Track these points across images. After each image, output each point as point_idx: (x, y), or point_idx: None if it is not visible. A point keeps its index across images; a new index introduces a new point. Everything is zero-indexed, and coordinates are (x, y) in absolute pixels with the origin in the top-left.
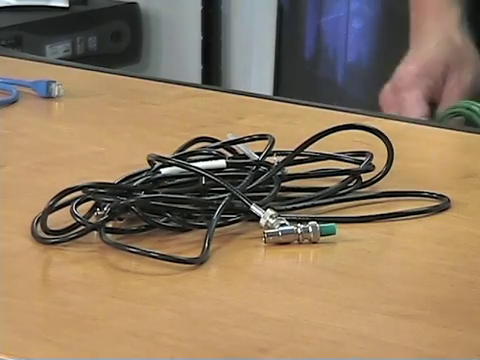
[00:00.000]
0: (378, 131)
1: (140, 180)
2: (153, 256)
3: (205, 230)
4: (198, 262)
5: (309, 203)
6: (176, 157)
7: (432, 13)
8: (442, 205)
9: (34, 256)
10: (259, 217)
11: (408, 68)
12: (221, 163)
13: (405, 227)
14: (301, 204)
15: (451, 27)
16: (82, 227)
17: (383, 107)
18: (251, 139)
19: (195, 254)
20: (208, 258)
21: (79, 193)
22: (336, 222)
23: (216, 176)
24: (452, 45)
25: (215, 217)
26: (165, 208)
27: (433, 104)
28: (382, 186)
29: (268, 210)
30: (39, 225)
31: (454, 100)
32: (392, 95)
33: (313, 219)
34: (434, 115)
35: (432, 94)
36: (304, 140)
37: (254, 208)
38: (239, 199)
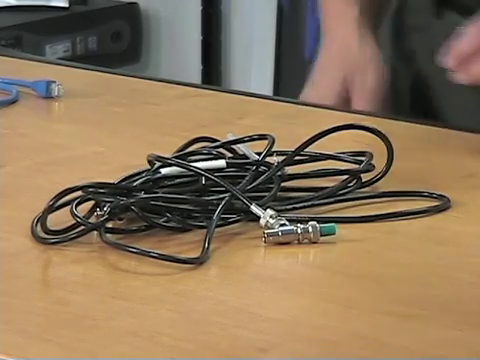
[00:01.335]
0: (378, 131)
1: (140, 180)
2: (153, 256)
3: (205, 230)
4: (198, 262)
5: (309, 203)
6: (176, 157)
7: (332, 13)
8: (442, 205)
9: (34, 256)
10: (259, 217)
11: (309, 94)
12: (221, 163)
13: (405, 227)
14: (301, 204)
15: (348, 31)
16: (82, 227)
17: None
18: (251, 139)
19: (195, 254)
20: (208, 258)
21: (79, 193)
22: (336, 222)
23: (216, 176)
24: (348, 54)
25: (215, 217)
26: (165, 208)
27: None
28: (382, 186)
29: (268, 210)
30: (39, 225)
31: (364, 108)
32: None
33: (313, 219)
34: None
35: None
36: (304, 140)
37: (254, 208)
38: (239, 199)
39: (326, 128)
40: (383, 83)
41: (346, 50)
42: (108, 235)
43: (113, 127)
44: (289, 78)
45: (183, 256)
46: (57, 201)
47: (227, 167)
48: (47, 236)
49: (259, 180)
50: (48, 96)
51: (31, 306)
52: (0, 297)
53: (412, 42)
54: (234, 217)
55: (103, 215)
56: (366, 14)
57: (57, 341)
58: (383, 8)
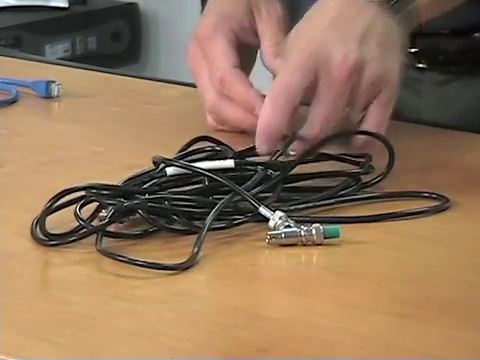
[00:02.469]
0: (380, 136)
1: (147, 184)
2: (139, 264)
3: (211, 231)
4: (183, 267)
5: (310, 204)
6: (181, 157)
7: None
8: (441, 205)
9: (34, 256)
10: (268, 219)
11: (206, 19)
12: (229, 163)
13: (405, 227)
14: (303, 205)
15: None
16: (83, 230)
17: (192, 66)
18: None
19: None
20: (196, 263)
21: (81, 194)
22: (336, 222)
23: (222, 177)
24: None
25: (207, 221)
26: (171, 211)
27: (246, 45)
28: (382, 186)
29: (277, 212)
30: (38, 227)
31: (272, 32)
32: (198, 50)
33: (315, 220)
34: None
35: (240, 35)
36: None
37: (263, 210)
38: (246, 200)
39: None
40: (287, 16)
41: None
42: (109, 238)
43: (113, 127)
44: None
45: (169, 262)
46: (55, 203)
47: (235, 167)
48: (46, 238)
49: (269, 183)
50: (48, 96)
51: (31, 306)
52: (0, 297)
53: None
54: (241, 218)
55: (105, 218)
56: None
57: (57, 341)
58: None
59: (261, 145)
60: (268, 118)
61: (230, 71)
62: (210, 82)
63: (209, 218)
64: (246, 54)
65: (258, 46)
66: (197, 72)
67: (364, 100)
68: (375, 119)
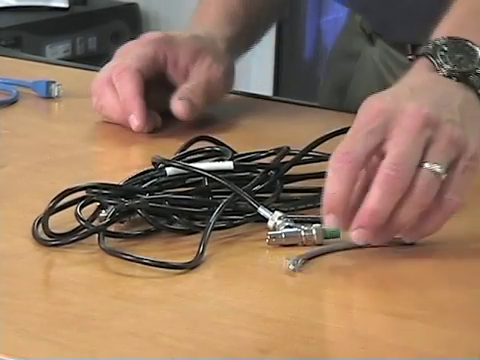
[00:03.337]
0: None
1: (147, 184)
2: (145, 263)
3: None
4: (190, 267)
5: (311, 204)
6: (180, 157)
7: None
8: None
9: (34, 256)
10: (267, 219)
11: (160, 33)
12: (228, 165)
13: None
14: (303, 205)
15: (204, 28)
16: (84, 230)
17: (123, 48)
18: (268, 154)
19: None
20: (202, 262)
21: (83, 193)
22: None
23: (222, 177)
24: (200, 38)
25: (211, 220)
26: (171, 210)
27: (164, 80)
28: None
29: (276, 212)
30: (40, 227)
31: (198, 83)
32: (136, 43)
33: (315, 220)
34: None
35: (169, 68)
36: (304, 140)
37: (262, 210)
38: (246, 201)
39: (325, 128)
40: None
41: (197, 38)
42: (110, 238)
43: (113, 127)
44: (289, 78)
45: (175, 261)
46: (57, 203)
47: (235, 168)
48: (48, 238)
49: (266, 182)
50: (48, 96)
51: (31, 306)
52: (0, 297)
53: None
54: (240, 219)
55: (105, 218)
56: (233, 40)
57: (57, 341)
58: (249, 44)
59: (331, 222)
60: (333, 193)
61: (133, 72)
62: (113, 69)
63: (213, 218)
64: (158, 85)
65: (171, 86)
66: (120, 54)
67: (441, 158)
68: (452, 186)
